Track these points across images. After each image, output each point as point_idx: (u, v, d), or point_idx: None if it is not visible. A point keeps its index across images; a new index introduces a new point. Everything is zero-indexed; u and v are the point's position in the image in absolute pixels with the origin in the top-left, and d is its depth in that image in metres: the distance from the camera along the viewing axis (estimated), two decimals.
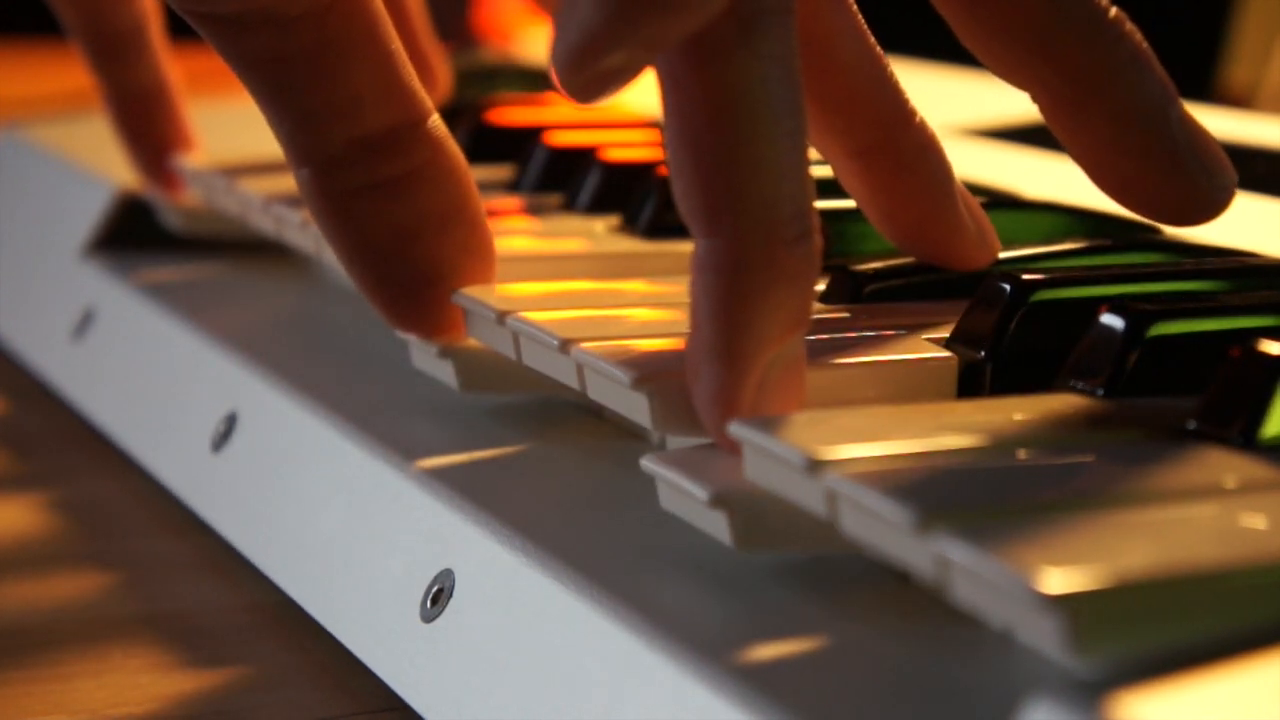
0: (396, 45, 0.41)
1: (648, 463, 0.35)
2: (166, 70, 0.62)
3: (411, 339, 0.43)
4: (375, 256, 0.42)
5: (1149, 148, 0.40)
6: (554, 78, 0.33)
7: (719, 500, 0.34)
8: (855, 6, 0.41)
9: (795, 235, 0.35)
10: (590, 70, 0.33)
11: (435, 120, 0.42)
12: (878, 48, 0.41)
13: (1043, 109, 0.40)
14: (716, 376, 0.35)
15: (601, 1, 0.32)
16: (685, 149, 0.34)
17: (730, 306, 0.35)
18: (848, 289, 0.43)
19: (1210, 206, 0.40)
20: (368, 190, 0.41)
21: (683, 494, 0.34)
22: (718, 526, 0.34)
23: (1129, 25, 0.40)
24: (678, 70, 0.34)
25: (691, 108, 0.34)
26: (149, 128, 0.62)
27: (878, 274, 0.43)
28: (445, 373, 0.43)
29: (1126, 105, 0.40)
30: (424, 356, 0.44)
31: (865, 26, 0.41)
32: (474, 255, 0.42)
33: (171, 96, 0.62)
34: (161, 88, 0.62)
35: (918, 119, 0.42)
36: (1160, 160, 0.40)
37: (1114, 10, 0.40)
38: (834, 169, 0.42)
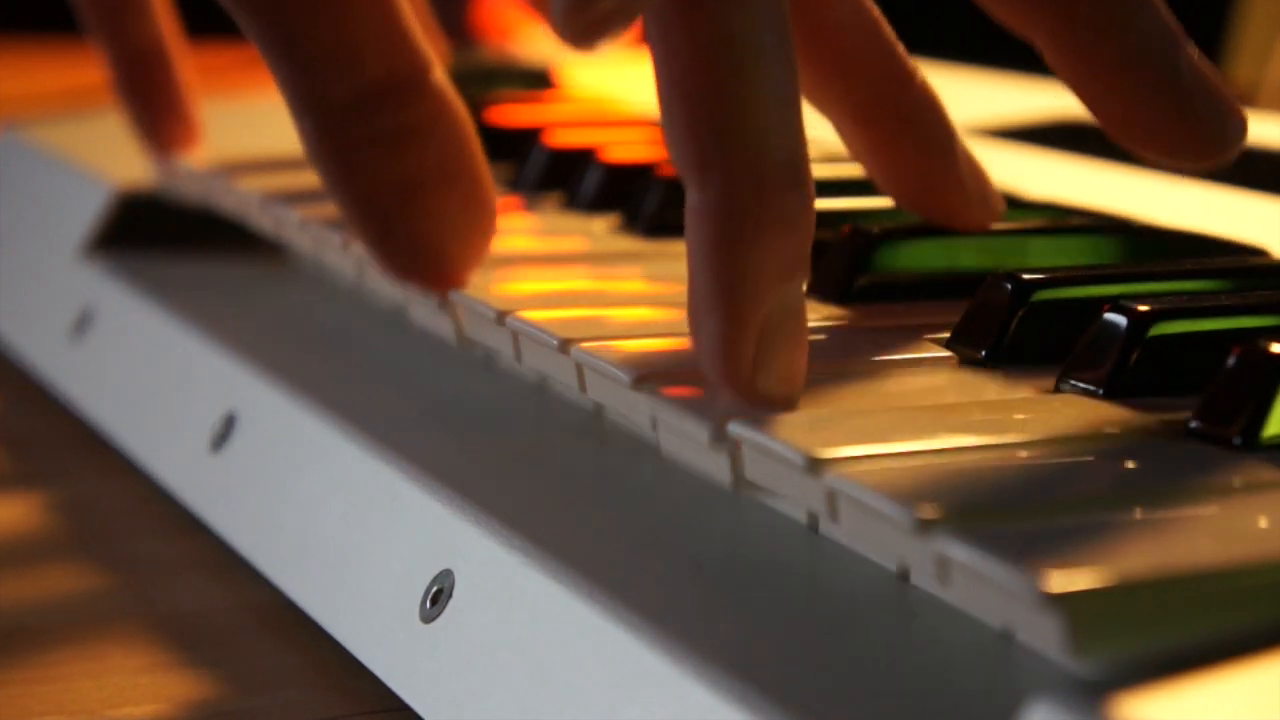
0: None
1: (648, 401, 0.35)
2: (167, 31, 0.62)
3: (411, 294, 0.43)
4: (377, 210, 0.41)
5: (1157, 91, 0.39)
6: (553, 25, 0.34)
7: (720, 439, 0.34)
8: None
9: (786, 183, 0.34)
10: (587, 14, 0.33)
11: (439, 73, 0.41)
12: (875, 9, 0.41)
13: (1048, 56, 0.40)
14: (715, 327, 0.34)
15: None
16: (674, 100, 0.35)
17: (723, 254, 0.34)
18: (846, 287, 0.43)
19: (1220, 147, 0.40)
20: (370, 143, 0.41)
21: (682, 435, 0.34)
22: (718, 467, 0.34)
23: None
24: (665, 19, 0.34)
25: (678, 57, 0.34)
26: (149, 89, 0.61)
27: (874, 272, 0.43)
28: (444, 327, 0.43)
29: (1133, 50, 0.39)
30: (424, 311, 0.43)
31: None
32: (476, 211, 0.42)
33: (172, 57, 0.62)
34: (161, 48, 0.62)
35: (918, 79, 0.41)
36: (1168, 103, 0.40)
37: None
38: (836, 131, 0.42)
